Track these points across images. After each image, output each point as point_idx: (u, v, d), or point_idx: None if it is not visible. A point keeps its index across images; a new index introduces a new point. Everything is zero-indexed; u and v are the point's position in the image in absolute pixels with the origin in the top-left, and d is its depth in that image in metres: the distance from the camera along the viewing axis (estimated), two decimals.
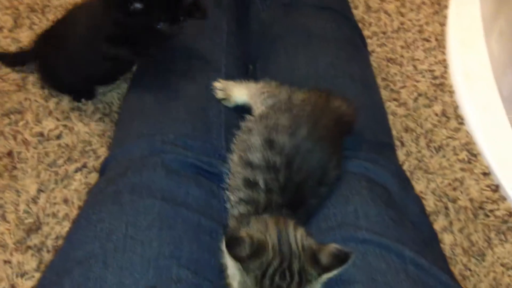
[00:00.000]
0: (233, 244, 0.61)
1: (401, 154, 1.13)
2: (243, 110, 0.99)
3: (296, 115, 0.76)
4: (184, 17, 0.93)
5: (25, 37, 1.31)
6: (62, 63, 1.10)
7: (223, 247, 0.62)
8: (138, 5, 0.88)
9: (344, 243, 0.69)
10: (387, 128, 0.97)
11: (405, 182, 0.84)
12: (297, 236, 0.66)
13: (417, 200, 0.83)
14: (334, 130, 0.78)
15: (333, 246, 0.62)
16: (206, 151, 0.82)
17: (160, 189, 0.72)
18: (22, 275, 0.94)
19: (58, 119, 1.16)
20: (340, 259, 0.61)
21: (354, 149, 0.84)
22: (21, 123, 1.15)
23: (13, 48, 1.29)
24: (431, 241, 0.78)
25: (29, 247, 0.97)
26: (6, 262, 0.95)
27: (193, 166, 0.78)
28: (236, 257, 0.61)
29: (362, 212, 0.73)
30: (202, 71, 0.96)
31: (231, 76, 0.96)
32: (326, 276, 0.63)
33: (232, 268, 0.64)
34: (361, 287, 0.64)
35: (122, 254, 0.64)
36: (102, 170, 0.84)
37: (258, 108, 0.85)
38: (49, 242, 0.98)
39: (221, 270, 0.67)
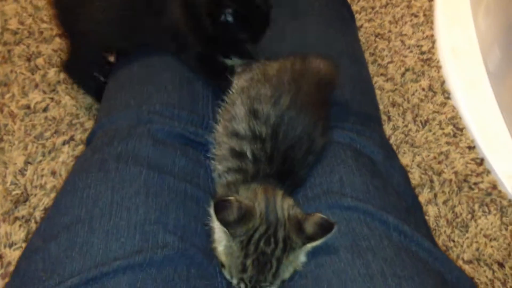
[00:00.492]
0: (221, 208, 0.62)
1: (388, 128, 1.14)
2: None
3: (276, 84, 0.76)
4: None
5: (11, 10, 1.29)
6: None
7: (211, 211, 0.62)
8: (229, 19, 0.83)
9: (329, 210, 0.70)
10: (374, 101, 0.97)
11: (390, 153, 0.85)
12: (284, 205, 0.67)
13: (402, 171, 0.84)
14: (317, 94, 0.78)
15: (318, 216, 0.64)
16: (192, 121, 0.82)
17: (147, 158, 0.72)
18: (10, 246, 0.95)
19: (44, 92, 1.15)
20: (324, 228, 0.63)
21: (341, 120, 0.85)
22: (7, 96, 1.14)
23: None
24: (414, 209, 0.79)
25: (17, 218, 0.97)
26: None
27: (180, 136, 0.78)
28: (224, 221, 0.62)
29: (347, 180, 0.74)
30: None
31: None
32: (310, 245, 0.64)
33: (218, 232, 0.65)
34: (345, 252, 0.65)
35: (108, 220, 0.64)
36: (89, 140, 0.84)
37: (237, 82, 0.84)
38: (37, 214, 0.98)
39: (208, 235, 0.68)
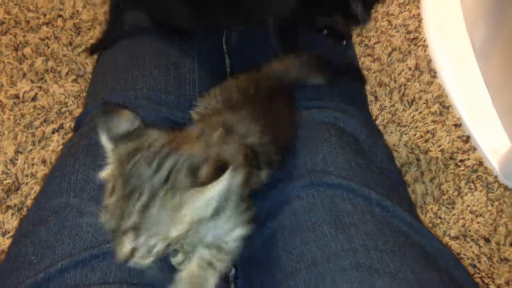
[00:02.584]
0: (108, 119, 0.56)
1: (375, 108, 1.15)
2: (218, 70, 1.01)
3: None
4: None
5: None
6: None
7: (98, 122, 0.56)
8: None
9: (314, 188, 0.71)
10: (361, 88, 0.98)
11: (374, 132, 0.86)
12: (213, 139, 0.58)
13: (385, 149, 0.85)
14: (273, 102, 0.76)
15: (221, 161, 0.55)
16: (179, 105, 0.82)
17: None
18: (3, 234, 0.96)
19: (32, 81, 1.16)
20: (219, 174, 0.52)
21: (326, 100, 0.86)
22: None
23: None
24: (397, 186, 0.80)
25: (9, 207, 0.99)
26: None
27: (167, 120, 0.79)
28: (108, 134, 0.56)
29: (331, 159, 0.75)
30: None
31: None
32: (201, 191, 0.52)
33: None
34: (329, 228, 0.66)
35: (96, 203, 0.65)
36: (77, 126, 0.85)
37: None
38: (29, 202, 1.00)
39: None
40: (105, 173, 0.56)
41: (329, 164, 0.74)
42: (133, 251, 0.53)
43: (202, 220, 0.55)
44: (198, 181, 0.52)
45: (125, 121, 0.58)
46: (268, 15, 0.89)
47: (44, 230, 0.65)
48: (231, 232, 0.63)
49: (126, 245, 0.53)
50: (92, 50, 0.99)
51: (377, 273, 0.62)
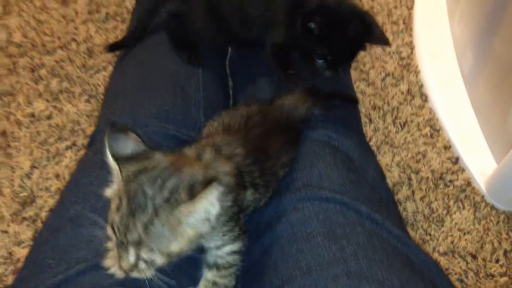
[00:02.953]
0: (115, 139, 0.61)
1: (369, 130, 1.22)
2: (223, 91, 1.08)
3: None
4: (344, 68, 0.94)
5: (15, 24, 1.37)
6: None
7: (104, 140, 0.60)
8: (313, 27, 0.87)
9: (309, 201, 0.77)
10: (355, 111, 1.06)
11: (366, 151, 0.93)
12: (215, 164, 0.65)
13: (377, 167, 0.92)
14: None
15: (210, 177, 0.60)
16: (185, 124, 0.89)
17: None
18: (18, 244, 1.02)
19: (48, 101, 1.23)
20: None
21: (324, 121, 0.93)
22: (13, 105, 1.22)
23: (3, 34, 1.35)
24: (387, 201, 0.86)
25: (24, 218, 1.05)
26: (4, 232, 1.03)
27: (174, 138, 0.86)
28: (114, 155, 0.60)
29: (325, 175, 0.81)
30: None
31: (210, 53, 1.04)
32: (191, 204, 0.57)
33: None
34: (322, 239, 0.72)
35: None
36: (90, 143, 0.92)
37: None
38: (43, 214, 1.06)
39: None
40: (110, 191, 0.62)
41: (324, 179, 0.81)
42: (136, 263, 0.59)
43: (202, 235, 0.61)
44: (191, 194, 0.57)
45: (131, 143, 0.63)
46: (266, 40, 0.98)
47: (62, 236, 0.71)
48: (223, 248, 0.69)
49: (129, 258, 0.59)
50: (111, 48, 1.07)
51: (366, 280, 0.67)
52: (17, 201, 1.07)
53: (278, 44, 0.97)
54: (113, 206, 0.59)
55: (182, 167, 0.61)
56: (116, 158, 0.60)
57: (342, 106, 1.01)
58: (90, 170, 0.79)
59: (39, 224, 1.05)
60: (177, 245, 0.59)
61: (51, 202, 1.07)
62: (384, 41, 0.92)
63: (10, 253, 1.01)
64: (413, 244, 0.77)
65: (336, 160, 0.84)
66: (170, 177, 0.59)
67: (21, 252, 1.01)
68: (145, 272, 0.60)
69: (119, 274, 0.61)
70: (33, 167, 1.12)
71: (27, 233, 1.03)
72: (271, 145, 0.79)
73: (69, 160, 1.14)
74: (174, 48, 1.01)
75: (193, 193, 0.57)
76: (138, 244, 0.57)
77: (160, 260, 0.59)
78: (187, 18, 1.01)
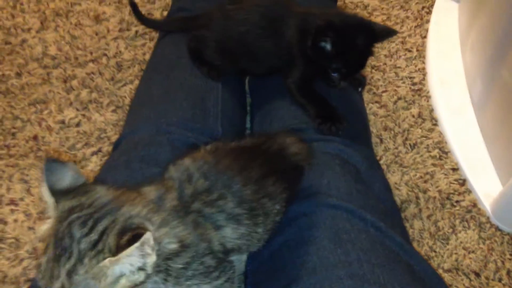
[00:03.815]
0: (52, 168, 0.55)
1: (380, 149, 1.27)
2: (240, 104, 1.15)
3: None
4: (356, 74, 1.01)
5: (51, 38, 1.47)
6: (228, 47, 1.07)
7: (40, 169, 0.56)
8: (328, 47, 0.93)
9: (317, 207, 0.82)
10: (364, 122, 1.11)
11: (374, 164, 0.98)
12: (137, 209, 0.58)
13: (383, 180, 0.97)
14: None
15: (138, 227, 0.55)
16: (204, 133, 0.96)
17: (165, 161, 0.86)
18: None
19: (77, 109, 1.31)
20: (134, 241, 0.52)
21: (334, 135, 0.98)
22: (45, 112, 1.30)
23: (39, 47, 1.45)
24: (392, 212, 0.91)
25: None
26: (30, 228, 1.10)
27: (193, 144, 0.93)
28: (51, 187, 0.56)
29: (334, 184, 0.87)
30: None
31: None
32: (116, 259, 0.52)
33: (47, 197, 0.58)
34: (328, 243, 0.77)
35: None
36: (115, 147, 0.99)
37: None
38: None
39: None
40: (41, 229, 0.57)
41: (332, 188, 0.86)
42: None
43: (138, 285, 0.55)
44: (120, 248, 0.51)
45: (69, 174, 0.57)
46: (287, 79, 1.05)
47: None
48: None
49: None
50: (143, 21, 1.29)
51: (368, 283, 0.72)
52: (44, 201, 1.14)
53: (300, 78, 1.02)
54: (43, 247, 0.54)
55: (122, 205, 0.56)
56: (53, 192, 0.55)
57: (354, 123, 1.06)
58: (116, 169, 0.86)
59: None
60: None
61: None
62: (390, 33, 0.99)
63: (34, 249, 1.08)
64: (415, 253, 0.81)
65: (344, 171, 0.89)
66: (104, 216, 0.54)
67: None
68: None
69: None
70: None
71: None
72: (252, 170, 0.75)
73: (94, 165, 1.21)
74: (194, 63, 1.09)
75: (121, 241, 0.52)
76: None
77: None
78: (203, 47, 1.09)
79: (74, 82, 1.37)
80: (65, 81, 1.37)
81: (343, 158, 0.92)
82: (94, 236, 0.52)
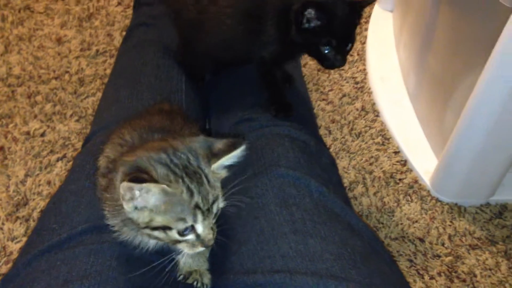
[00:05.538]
0: (137, 177, 0.62)
1: (329, 140, 1.38)
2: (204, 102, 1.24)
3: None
4: (351, 45, 0.99)
5: (15, 60, 1.55)
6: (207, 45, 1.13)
7: (129, 185, 0.61)
8: (312, 24, 0.94)
9: (267, 177, 0.90)
10: (311, 112, 1.22)
11: (320, 143, 1.08)
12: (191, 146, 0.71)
13: (329, 156, 1.06)
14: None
15: (226, 139, 0.72)
16: None
17: None
18: (12, 239, 1.13)
19: (42, 121, 1.38)
20: (232, 145, 0.71)
21: (283, 120, 1.08)
22: (11, 125, 1.36)
23: (4, 68, 1.52)
24: (336, 183, 1.00)
25: (18, 218, 1.16)
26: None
27: None
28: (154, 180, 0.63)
29: (283, 155, 0.95)
30: (169, 72, 1.21)
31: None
32: (219, 162, 0.70)
33: (141, 201, 0.65)
34: (275, 206, 0.83)
35: None
36: (85, 143, 1.05)
37: None
38: (35, 214, 1.18)
39: None
40: (148, 216, 0.66)
41: (282, 159, 0.94)
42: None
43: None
44: (213, 154, 0.70)
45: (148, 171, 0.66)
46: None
47: (64, 206, 0.82)
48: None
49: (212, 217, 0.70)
50: None
51: (310, 236, 0.78)
52: (11, 204, 1.19)
53: (268, 59, 1.07)
54: (182, 203, 0.65)
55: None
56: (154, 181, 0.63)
57: (301, 111, 1.17)
58: (86, 160, 0.92)
59: (31, 222, 1.16)
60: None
61: (43, 204, 1.19)
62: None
63: (4, 247, 1.11)
64: (355, 215, 0.88)
65: (293, 145, 0.98)
66: (189, 157, 0.68)
67: (14, 247, 1.11)
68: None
69: (206, 244, 0.70)
70: (27, 175, 1.25)
71: (20, 230, 1.14)
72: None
73: (59, 170, 1.27)
74: (185, 75, 1.19)
75: (211, 151, 0.70)
76: (216, 199, 0.70)
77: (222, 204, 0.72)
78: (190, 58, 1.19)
79: (38, 98, 1.44)
80: (29, 97, 1.44)
81: (292, 137, 1.01)
82: (195, 161, 0.69)
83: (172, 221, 0.66)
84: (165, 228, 0.67)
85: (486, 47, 0.96)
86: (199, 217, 0.67)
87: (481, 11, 1.04)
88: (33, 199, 1.20)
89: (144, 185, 0.61)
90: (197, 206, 0.67)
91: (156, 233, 0.68)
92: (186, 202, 0.66)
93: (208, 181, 0.69)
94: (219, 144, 0.72)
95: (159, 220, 0.66)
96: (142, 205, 0.65)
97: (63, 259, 0.76)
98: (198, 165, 0.69)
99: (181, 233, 0.67)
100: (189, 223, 0.67)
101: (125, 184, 0.61)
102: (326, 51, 0.98)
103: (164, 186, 0.63)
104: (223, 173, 0.74)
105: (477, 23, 1.07)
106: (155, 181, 0.62)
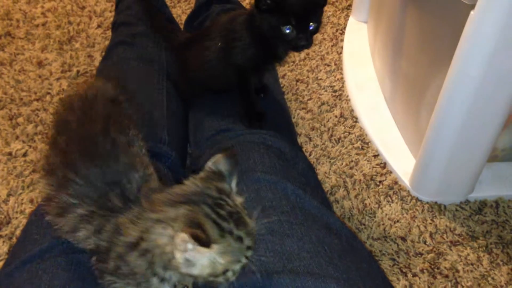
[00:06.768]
0: (198, 235, 0.60)
1: (309, 146, 1.40)
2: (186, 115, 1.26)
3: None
4: (315, 25, 0.99)
5: None
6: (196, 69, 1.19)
7: (193, 242, 0.59)
8: (268, 1, 0.96)
9: (244, 183, 0.92)
10: (288, 120, 1.25)
11: (296, 148, 1.10)
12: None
13: (306, 161, 1.08)
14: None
15: (219, 156, 0.71)
16: (151, 138, 1.05)
17: None
18: None
19: (24, 142, 1.39)
20: (231, 157, 0.71)
21: (259, 129, 1.10)
22: None
23: None
24: (314, 186, 1.01)
25: (0, 236, 1.16)
26: None
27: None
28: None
29: (259, 160, 0.97)
30: (150, 82, 1.23)
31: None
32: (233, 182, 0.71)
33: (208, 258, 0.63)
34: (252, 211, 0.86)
35: None
36: None
37: None
38: (18, 232, 1.17)
39: None
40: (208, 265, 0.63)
41: (258, 164, 0.97)
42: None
43: None
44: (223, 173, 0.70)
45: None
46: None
47: (45, 217, 0.83)
48: None
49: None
50: None
51: (287, 236, 0.80)
52: None
53: (248, 66, 1.10)
54: (233, 251, 0.63)
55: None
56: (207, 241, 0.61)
57: (277, 118, 1.20)
58: None
59: (14, 240, 1.16)
60: None
61: (25, 222, 1.19)
62: None
63: None
64: (332, 215, 0.89)
65: (268, 152, 1.00)
66: (209, 190, 0.67)
67: None
68: None
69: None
70: (9, 194, 1.25)
71: (3, 248, 1.14)
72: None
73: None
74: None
75: (220, 173, 0.70)
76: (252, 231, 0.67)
77: None
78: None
79: (20, 119, 1.45)
80: (11, 119, 1.45)
81: (267, 144, 1.03)
82: (224, 197, 0.68)
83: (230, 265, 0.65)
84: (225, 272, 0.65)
85: (451, 45, 1.00)
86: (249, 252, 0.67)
87: (444, 10, 1.08)
88: (16, 218, 1.20)
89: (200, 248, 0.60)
90: (248, 248, 0.66)
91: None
92: (238, 248, 0.65)
93: (242, 212, 0.68)
94: (222, 166, 0.70)
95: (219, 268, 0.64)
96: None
97: (44, 268, 0.77)
98: (234, 203, 0.68)
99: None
100: (244, 261, 0.66)
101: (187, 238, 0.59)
102: (287, 31, 0.98)
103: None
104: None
105: (441, 22, 1.11)
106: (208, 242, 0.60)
